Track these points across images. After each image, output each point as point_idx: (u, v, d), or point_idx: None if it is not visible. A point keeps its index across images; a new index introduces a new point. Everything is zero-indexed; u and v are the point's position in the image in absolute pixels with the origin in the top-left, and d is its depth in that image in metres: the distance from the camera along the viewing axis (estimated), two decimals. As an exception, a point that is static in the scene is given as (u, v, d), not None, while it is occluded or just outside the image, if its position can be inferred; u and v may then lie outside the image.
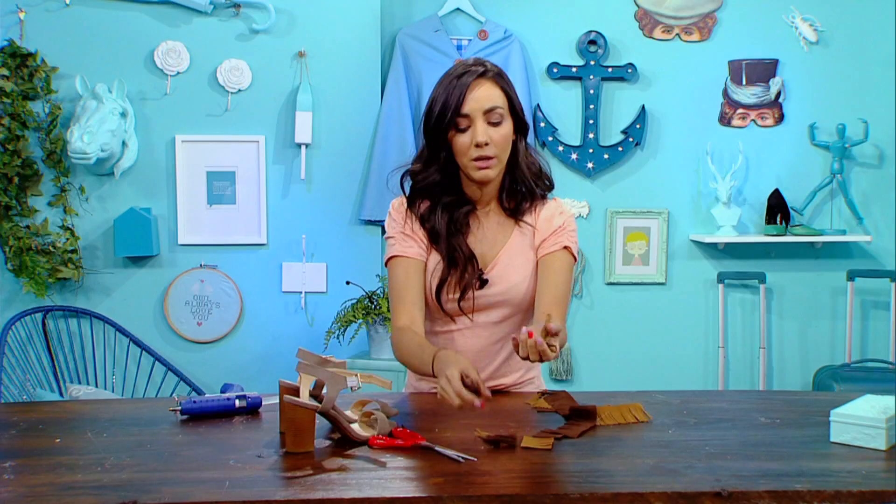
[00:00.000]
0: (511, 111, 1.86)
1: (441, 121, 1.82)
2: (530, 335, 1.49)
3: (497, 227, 1.93)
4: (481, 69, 1.84)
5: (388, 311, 3.36)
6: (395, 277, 1.89)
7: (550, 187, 1.99)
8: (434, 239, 1.89)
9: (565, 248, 1.89)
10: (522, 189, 1.92)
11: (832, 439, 1.52)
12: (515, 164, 1.91)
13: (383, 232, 3.67)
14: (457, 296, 1.87)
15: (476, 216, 1.93)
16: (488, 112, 1.81)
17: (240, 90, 3.59)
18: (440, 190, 1.90)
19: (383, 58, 3.75)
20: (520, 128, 1.90)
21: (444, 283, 1.87)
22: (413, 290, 1.86)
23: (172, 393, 3.54)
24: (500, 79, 1.86)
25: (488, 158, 1.81)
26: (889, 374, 3.69)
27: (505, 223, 1.94)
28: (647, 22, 3.88)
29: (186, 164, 3.59)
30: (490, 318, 1.89)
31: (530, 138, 3.90)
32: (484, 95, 1.82)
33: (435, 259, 1.90)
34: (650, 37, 3.89)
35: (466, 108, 1.80)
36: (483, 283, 1.88)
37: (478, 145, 1.80)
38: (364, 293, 3.49)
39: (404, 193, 1.95)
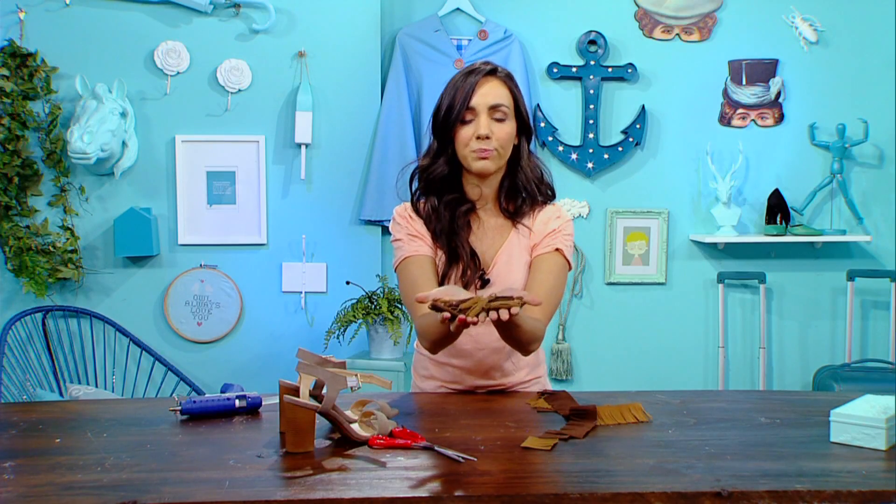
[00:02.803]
0: (516, 113, 1.92)
1: (450, 114, 1.88)
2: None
3: (496, 227, 1.96)
4: (491, 67, 1.91)
5: (389, 311, 3.38)
6: (410, 274, 1.90)
7: (552, 196, 2.02)
8: (437, 236, 1.92)
9: (557, 250, 1.91)
10: (523, 193, 1.95)
11: (832, 439, 1.52)
12: (517, 167, 1.95)
13: (384, 233, 3.69)
14: None
15: (476, 215, 1.96)
16: (493, 108, 1.87)
17: (240, 90, 3.59)
18: (444, 187, 1.93)
19: (383, 58, 3.75)
20: (524, 131, 1.95)
21: (445, 278, 1.90)
22: (430, 284, 1.88)
23: (172, 393, 3.54)
24: (509, 80, 1.93)
25: (488, 150, 1.86)
26: (889, 374, 3.69)
27: (503, 224, 1.96)
28: (647, 22, 3.88)
29: (186, 164, 3.59)
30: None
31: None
32: (491, 92, 1.88)
33: (439, 256, 1.92)
34: (650, 37, 3.89)
35: (473, 102, 1.86)
36: (484, 282, 1.89)
37: (479, 137, 1.85)
38: (364, 293, 3.49)
39: (411, 192, 1.99)
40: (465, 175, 1.94)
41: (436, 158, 1.93)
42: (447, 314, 1.55)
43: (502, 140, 1.87)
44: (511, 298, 1.56)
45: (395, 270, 1.96)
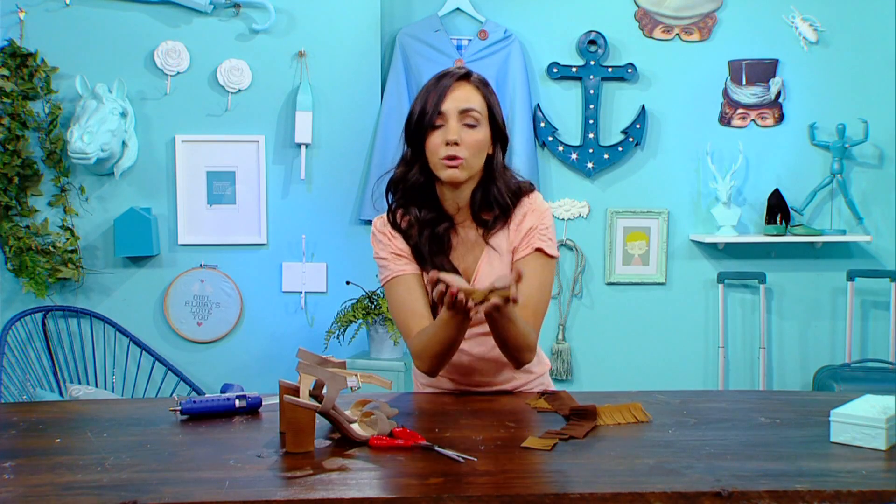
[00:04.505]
0: (490, 120, 1.85)
1: (422, 119, 1.82)
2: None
3: (475, 240, 1.91)
4: (463, 72, 1.86)
5: (389, 311, 3.37)
6: (399, 295, 1.87)
7: (531, 189, 1.93)
8: (419, 258, 1.88)
9: (537, 249, 1.86)
10: (494, 204, 1.87)
11: (832, 439, 1.52)
12: (490, 178, 1.88)
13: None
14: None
15: (455, 232, 1.90)
16: (464, 112, 1.81)
17: (240, 90, 3.59)
18: (419, 201, 1.88)
19: (383, 58, 3.75)
20: (499, 138, 1.88)
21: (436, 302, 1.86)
22: (420, 303, 1.86)
23: (172, 393, 3.54)
24: (483, 85, 1.87)
25: (458, 158, 1.80)
26: (889, 374, 3.69)
27: (480, 237, 1.90)
28: (647, 22, 3.88)
29: (186, 164, 3.59)
30: (484, 328, 1.86)
31: (530, 139, 3.91)
32: (462, 96, 1.82)
33: (425, 278, 1.88)
34: (650, 37, 3.89)
35: (444, 106, 1.81)
36: None
37: (448, 143, 1.79)
38: (364, 293, 3.49)
39: (388, 203, 1.94)
40: (439, 186, 1.88)
41: (410, 167, 1.87)
42: (449, 290, 1.62)
43: (472, 147, 1.81)
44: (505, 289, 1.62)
45: (382, 286, 1.93)
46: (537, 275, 1.85)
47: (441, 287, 1.63)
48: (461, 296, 1.62)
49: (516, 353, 1.81)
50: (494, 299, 1.60)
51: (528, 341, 1.80)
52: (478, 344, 1.90)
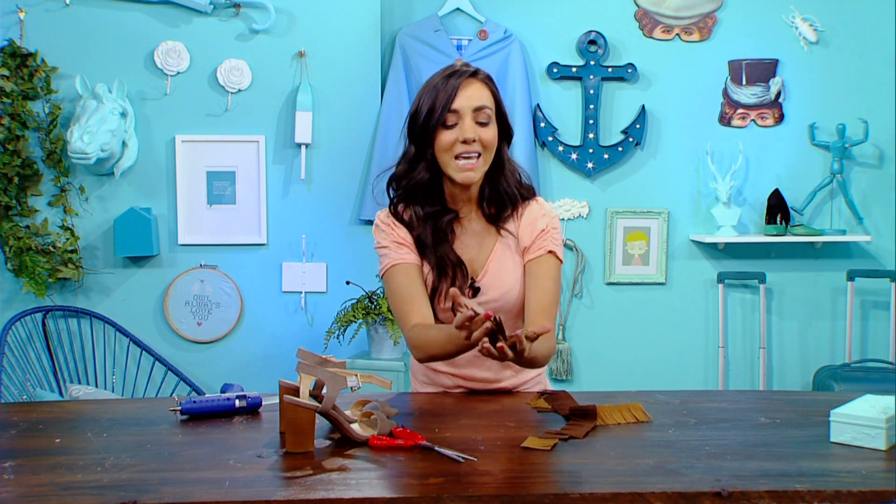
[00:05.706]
0: (497, 116, 1.87)
1: (430, 117, 1.82)
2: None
3: (482, 233, 1.92)
4: (472, 70, 1.86)
5: (389, 311, 3.38)
6: (398, 283, 1.88)
7: (533, 193, 1.97)
8: (421, 249, 1.89)
9: (550, 252, 1.89)
10: (505, 199, 1.90)
11: (832, 439, 1.52)
12: (498, 171, 1.90)
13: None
14: (449, 304, 1.86)
15: (460, 223, 1.92)
16: (478, 110, 1.82)
17: (240, 90, 3.59)
18: (423, 197, 1.89)
19: (383, 58, 3.75)
20: (504, 134, 1.90)
21: (437, 292, 1.87)
22: (418, 292, 1.86)
23: (172, 393, 3.54)
24: (490, 82, 1.88)
25: (474, 157, 1.81)
26: (889, 374, 3.69)
27: (489, 230, 1.93)
28: (647, 22, 3.88)
29: (186, 164, 3.59)
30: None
31: (530, 139, 3.91)
32: (475, 94, 1.83)
33: (426, 269, 1.90)
34: (650, 37, 3.89)
35: (457, 105, 1.81)
36: (475, 291, 1.88)
37: (465, 141, 1.80)
38: (364, 293, 3.49)
39: (390, 199, 1.95)
40: (445, 181, 1.89)
41: (414, 164, 1.87)
42: (488, 326, 1.52)
43: (487, 145, 1.82)
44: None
45: (382, 277, 1.93)
46: (552, 276, 1.88)
47: (466, 317, 1.54)
48: (507, 351, 1.54)
49: (542, 363, 1.86)
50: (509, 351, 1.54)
51: (553, 348, 1.85)
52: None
